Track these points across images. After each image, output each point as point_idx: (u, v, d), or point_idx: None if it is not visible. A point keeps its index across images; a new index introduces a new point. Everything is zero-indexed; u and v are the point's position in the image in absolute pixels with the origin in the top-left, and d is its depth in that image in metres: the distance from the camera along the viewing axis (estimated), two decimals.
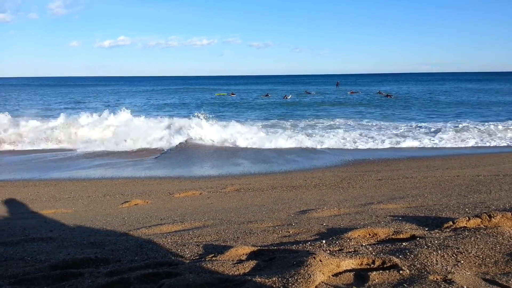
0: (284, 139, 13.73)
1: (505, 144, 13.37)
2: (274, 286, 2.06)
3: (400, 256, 2.41)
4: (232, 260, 2.62)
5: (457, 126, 17.10)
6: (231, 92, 51.43)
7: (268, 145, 13.41)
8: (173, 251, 3.09)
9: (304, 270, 2.18)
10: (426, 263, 2.30)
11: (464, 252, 2.46)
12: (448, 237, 2.79)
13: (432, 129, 16.82)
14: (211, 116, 16.67)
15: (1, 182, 8.74)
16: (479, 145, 13.36)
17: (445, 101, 34.99)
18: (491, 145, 13.30)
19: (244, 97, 44.74)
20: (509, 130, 15.54)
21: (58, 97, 47.97)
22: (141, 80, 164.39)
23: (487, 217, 3.12)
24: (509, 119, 19.53)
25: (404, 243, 2.72)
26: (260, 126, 17.77)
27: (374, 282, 2.14)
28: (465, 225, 3.11)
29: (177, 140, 14.28)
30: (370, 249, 2.63)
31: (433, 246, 2.58)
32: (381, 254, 2.50)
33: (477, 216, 3.19)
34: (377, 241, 2.96)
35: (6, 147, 14.17)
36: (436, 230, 3.09)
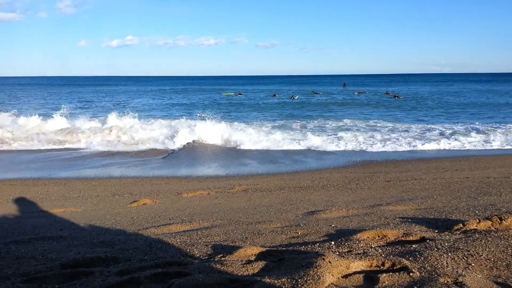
0: (293, 145, 13.48)
1: None
2: (283, 287, 2.07)
3: (410, 258, 2.40)
4: (241, 261, 2.62)
5: (479, 129, 16.52)
6: (238, 92, 51.47)
7: (277, 147, 13.34)
8: (182, 251, 3.10)
9: (313, 271, 2.18)
10: (436, 266, 2.29)
11: (475, 255, 2.44)
12: (459, 239, 2.77)
13: (447, 132, 16.18)
14: (218, 116, 16.71)
15: (11, 180, 8.84)
16: (506, 147, 12.98)
17: (454, 102, 34.69)
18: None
19: (251, 97, 44.77)
20: None
21: (66, 96, 48.37)
22: (148, 79, 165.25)
23: (498, 219, 3.09)
24: None
25: (413, 245, 2.71)
26: (270, 127, 17.73)
27: (384, 284, 2.13)
28: (476, 227, 3.08)
29: (184, 140, 14.33)
30: (380, 251, 2.62)
31: (443, 248, 2.56)
32: (391, 256, 2.49)
33: (487, 218, 3.16)
34: (386, 243, 2.95)
35: (16, 146, 14.32)
36: (446, 232, 3.07)
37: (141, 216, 5.15)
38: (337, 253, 2.63)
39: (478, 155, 11.35)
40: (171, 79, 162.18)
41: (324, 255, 2.39)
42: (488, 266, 2.32)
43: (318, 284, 2.06)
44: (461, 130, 16.53)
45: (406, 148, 13.13)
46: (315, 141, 13.70)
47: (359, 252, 2.65)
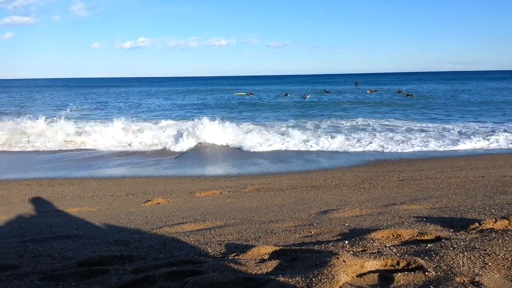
0: (306, 147, 13.13)
1: None
2: (297, 285, 2.06)
3: (426, 258, 2.37)
4: (255, 260, 2.63)
5: (505, 129, 15.68)
6: (250, 92, 51.50)
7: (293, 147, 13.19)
8: (196, 249, 3.12)
9: (327, 271, 2.17)
10: (452, 265, 2.26)
11: (491, 254, 2.40)
12: (475, 238, 2.73)
13: (469, 131, 15.39)
14: (230, 116, 16.73)
15: (28, 180, 9.00)
16: None
17: (468, 100, 34.14)
18: None
19: (263, 97, 44.75)
20: None
21: (82, 98, 49.02)
22: (161, 80, 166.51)
23: None
24: None
25: (429, 245, 2.68)
26: (285, 127, 17.61)
27: (399, 283, 2.11)
28: (492, 226, 3.04)
29: (196, 140, 14.40)
30: (394, 250, 2.60)
31: (459, 247, 2.53)
32: (406, 255, 2.47)
33: (504, 217, 3.11)
34: (401, 242, 2.92)
35: (31, 147, 14.56)
36: (462, 232, 3.03)
37: (155, 215, 5.19)
38: (351, 252, 2.62)
39: (493, 154, 11.16)
40: (183, 80, 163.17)
41: (338, 254, 2.38)
42: (505, 266, 2.28)
43: (332, 283, 2.05)
44: (482, 129, 15.92)
45: (431, 148, 12.41)
46: (334, 145, 13.11)
47: (374, 251, 2.63)
